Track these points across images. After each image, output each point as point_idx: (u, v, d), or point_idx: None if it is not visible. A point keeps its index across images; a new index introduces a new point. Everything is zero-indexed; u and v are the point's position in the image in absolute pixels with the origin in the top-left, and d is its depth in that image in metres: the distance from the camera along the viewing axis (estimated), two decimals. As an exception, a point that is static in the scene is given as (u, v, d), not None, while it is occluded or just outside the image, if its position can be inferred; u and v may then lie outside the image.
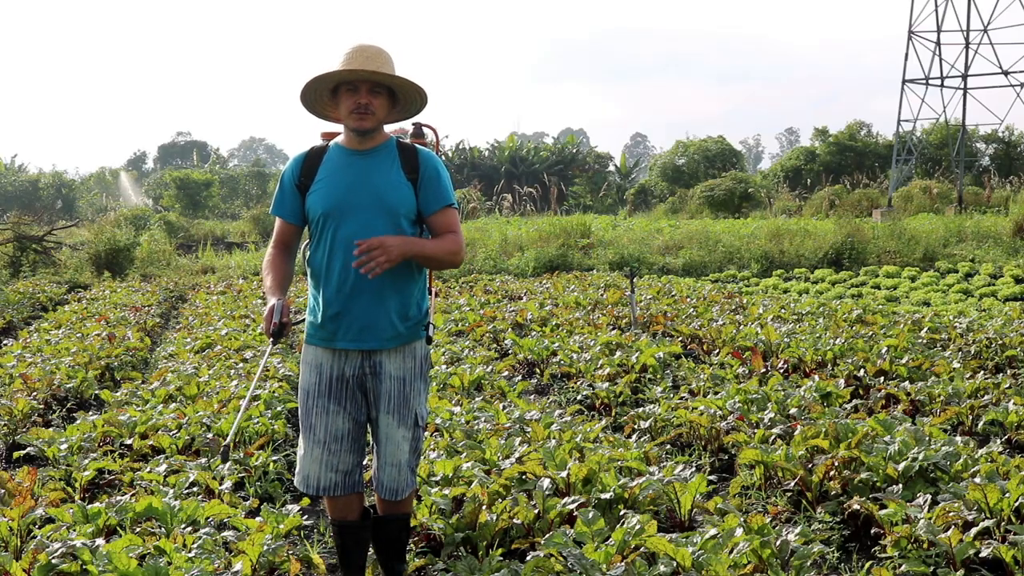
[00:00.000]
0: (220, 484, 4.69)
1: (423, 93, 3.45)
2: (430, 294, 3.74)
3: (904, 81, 32.19)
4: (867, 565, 3.87)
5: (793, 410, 5.76)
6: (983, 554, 3.67)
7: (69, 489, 4.93)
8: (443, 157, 4.09)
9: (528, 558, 3.63)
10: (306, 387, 3.52)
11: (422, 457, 4.57)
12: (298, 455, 3.57)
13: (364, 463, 3.72)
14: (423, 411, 3.60)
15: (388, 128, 3.64)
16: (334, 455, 3.48)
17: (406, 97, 3.48)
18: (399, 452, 3.52)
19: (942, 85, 32.13)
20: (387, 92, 3.42)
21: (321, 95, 3.46)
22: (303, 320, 3.68)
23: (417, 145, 3.57)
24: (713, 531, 3.65)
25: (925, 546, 3.82)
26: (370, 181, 3.43)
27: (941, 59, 31.79)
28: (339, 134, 3.62)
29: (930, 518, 3.85)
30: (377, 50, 3.39)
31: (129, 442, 5.63)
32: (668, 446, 5.68)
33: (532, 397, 7.38)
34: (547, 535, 3.70)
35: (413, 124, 3.87)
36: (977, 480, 4.13)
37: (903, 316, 10.08)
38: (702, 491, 4.32)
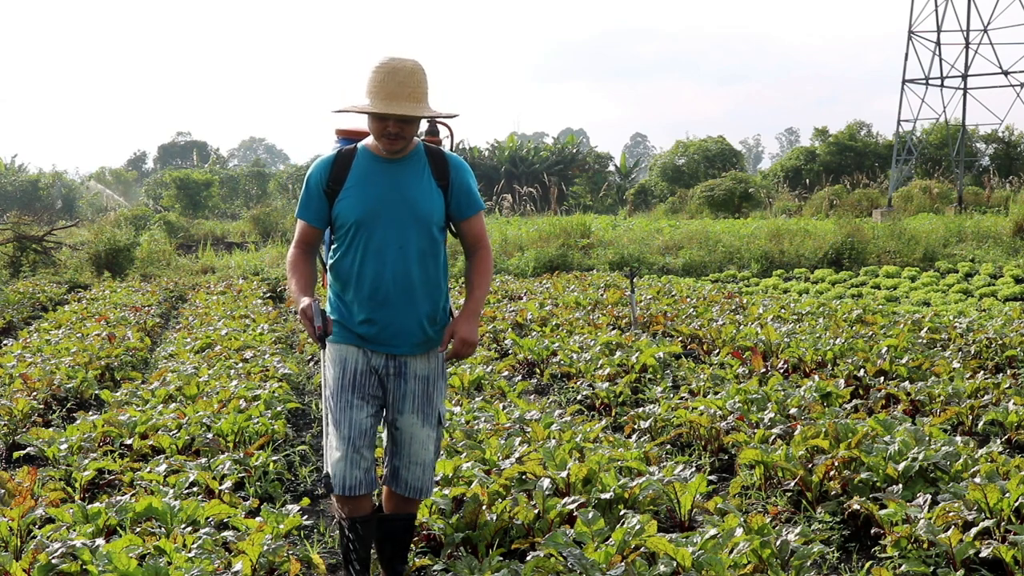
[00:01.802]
0: (220, 484, 4.69)
1: (453, 116, 3.52)
2: None
3: (904, 81, 32.18)
4: (867, 565, 3.87)
5: (793, 410, 5.76)
6: (983, 554, 3.67)
7: (69, 489, 4.93)
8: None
9: (528, 558, 3.63)
10: (331, 383, 3.52)
11: None
12: (327, 456, 3.53)
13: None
14: (443, 409, 3.64)
15: None
16: (358, 451, 3.46)
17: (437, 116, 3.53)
18: (424, 452, 3.56)
19: (942, 85, 32.12)
20: None
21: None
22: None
23: (445, 151, 3.59)
24: (713, 531, 3.65)
25: (925, 546, 3.82)
26: (403, 190, 3.45)
27: (941, 59, 31.76)
28: (358, 133, 3.63)
29: (930, 518, 3.85)
30: (409, 71, 3.37)
31: (129, 442, 5.63)
32: (668, 446, 5.68)
33: (532, 397, 7.38)
34: (547, 535, 3.70)
35: (428, 121, 3.80)
36: (977, 480, 4.13)
37: (903, 316, 10.08)
38: (702, 491, 4.32)
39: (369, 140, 3.53)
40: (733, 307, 11.06)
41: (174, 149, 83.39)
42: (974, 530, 3.75)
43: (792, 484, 4.67)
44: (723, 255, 18.46)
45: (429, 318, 3.51)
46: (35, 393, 7.03)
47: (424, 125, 3.78)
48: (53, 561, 3.62)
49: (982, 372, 6.93)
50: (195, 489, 4.70)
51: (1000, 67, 31.58)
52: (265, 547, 3.75)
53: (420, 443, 3.54)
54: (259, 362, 7.89)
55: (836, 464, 4.57)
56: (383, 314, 3.45)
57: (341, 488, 3.47)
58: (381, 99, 3.33)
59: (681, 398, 6.43)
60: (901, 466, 4.44)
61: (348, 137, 3.70)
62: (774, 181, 41.05)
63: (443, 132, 3.84)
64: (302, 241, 3.58)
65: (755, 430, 5.44)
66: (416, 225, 3.44)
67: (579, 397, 7.07)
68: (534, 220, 26.89)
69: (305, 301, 3.38)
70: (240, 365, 7.80)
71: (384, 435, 3.68)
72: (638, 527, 3.69)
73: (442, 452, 5.04)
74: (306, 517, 4.73)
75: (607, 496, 4.26)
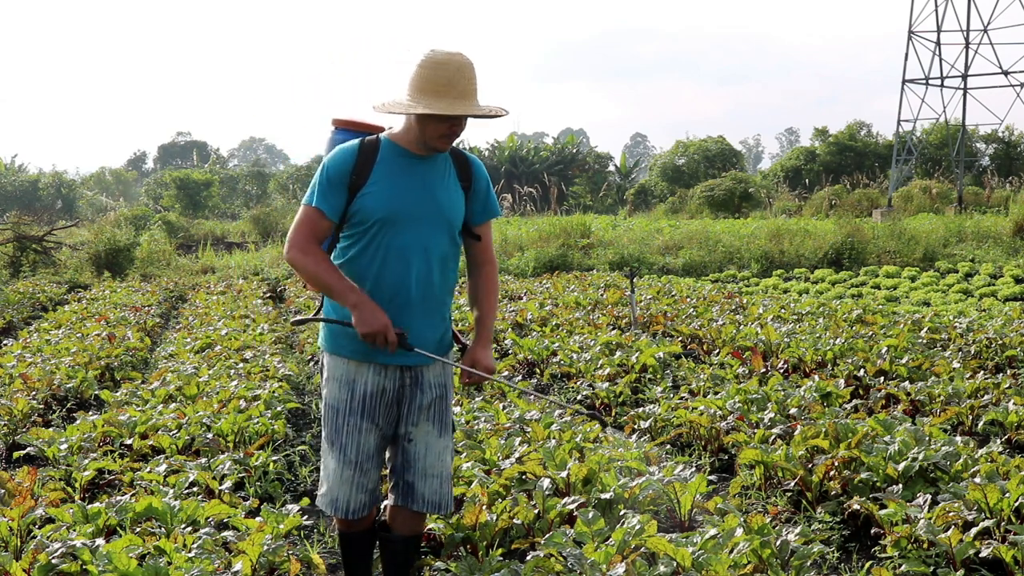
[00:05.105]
0: (220, 484, 4.69)
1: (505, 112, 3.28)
2: None
3: (904, 81, 32.18)
4: (867, 565, 3.87)
5: (793, 410, 5.75)
6: (983, 554, 3.67)
7: (69, 489, 4.93)
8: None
9: (528, 558, 3.62)
10: (335, 404, 3.31)
11: None
12: (325, 474, 3.38)
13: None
14: (453, 417, 3.50)
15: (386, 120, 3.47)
16: (365, 475, 3.32)
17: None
18: (440, 464, 3.36)
19: (942, 85, 32.12)
20: None
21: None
22: (310, 320, 3.47)
23: (465, 152, 3.43)
24: (713, 531, 3.65)
25: (925, 546, 3.82)
26: (431, 190, 3.25)
27: (941, 59, 31.77)
28: (359, 124, 3.44)
29: (930, 518, 3.85)
30: (471, 68, 3.15)
31: (129, 442, 5.63)
32: (668, 446, 5.69)
33: (532, 397, 7.38)
34: (547, 535, 3.70)
35: None
36: (977, 480, 4.13)
37: (903, 316, 10.08)
38: (702, 491, 4.32)
39: (396, 132, 3.29)
40: (733, 307, 11.06)
41: (174, 149, 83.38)
42: (974, 530, 3.75)
43: (792, 484, 4.67)
44: (723, 255, 18.47)
45: (443, 325, 3.36)
46: (35, 393, 7.03)
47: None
48: (53, 561, 3.62)
49: (982, 372, 6.92)
50: (195, 489, 4.69)
51: (1000, 67, 31.59)
52: (265, 547, 3.74)
53: (436, 454, 3.34)
54: (259, 362, 7.89)
55: (836, 464, 4.57)
56: (402, 321, 3.22)
57: (345, 512, 3.33)
58: (453, 98, 3.10)
59: (681, 398, 6.43)
60: (901, 466, 4.44)
61: (348, 129, 3.46)
62: (774, 181, 41.06)
63: None
64: (315, 237, 3.21)
65: (755, 430, 5.44)
66: (442, 228, 3.25)
67: (579, 397, 7.07)
68: (534, 220, 26.90)
69: (369, 306, 3.14)
70: (240, 365, 7.80)
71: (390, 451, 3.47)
72: (638, 527, 3.68)
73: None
74: (306, 517, 4.73)
75: (607, 496, 4.26)
